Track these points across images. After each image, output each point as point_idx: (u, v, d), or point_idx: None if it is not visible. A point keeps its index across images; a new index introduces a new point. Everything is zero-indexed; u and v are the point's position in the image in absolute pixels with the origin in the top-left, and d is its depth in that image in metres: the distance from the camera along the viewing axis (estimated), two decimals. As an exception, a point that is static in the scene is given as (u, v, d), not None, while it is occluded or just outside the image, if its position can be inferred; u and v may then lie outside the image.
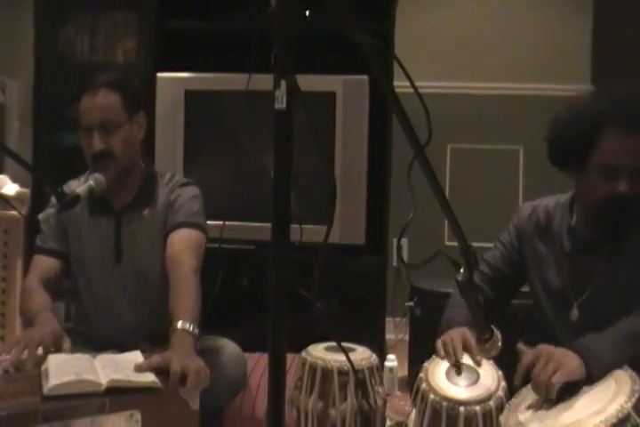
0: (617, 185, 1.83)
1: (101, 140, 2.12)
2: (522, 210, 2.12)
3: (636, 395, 1.59)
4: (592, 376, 1.69)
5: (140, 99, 2.27)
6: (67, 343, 1.92)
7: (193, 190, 2.27)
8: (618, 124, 1.82)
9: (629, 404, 1.56)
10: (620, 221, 1.90)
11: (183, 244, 2.14)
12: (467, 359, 1.88)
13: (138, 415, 1.61)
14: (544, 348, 1.74)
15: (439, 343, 1.93)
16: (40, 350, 1.83)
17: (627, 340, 1.76)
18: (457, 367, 1.86)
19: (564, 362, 1.68)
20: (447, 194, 1.55)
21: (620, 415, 1.54)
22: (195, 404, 1.70)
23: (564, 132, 1.91)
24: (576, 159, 1.89)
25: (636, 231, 1.92)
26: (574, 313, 1.97)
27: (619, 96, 1.87)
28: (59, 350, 1.88)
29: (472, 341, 1.87)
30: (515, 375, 1.75)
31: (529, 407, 1.70)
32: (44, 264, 2.21)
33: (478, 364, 1.85)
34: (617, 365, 1.71)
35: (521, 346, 1.77)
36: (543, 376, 1.66)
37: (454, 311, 2.03)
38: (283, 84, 1.22)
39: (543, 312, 2.05)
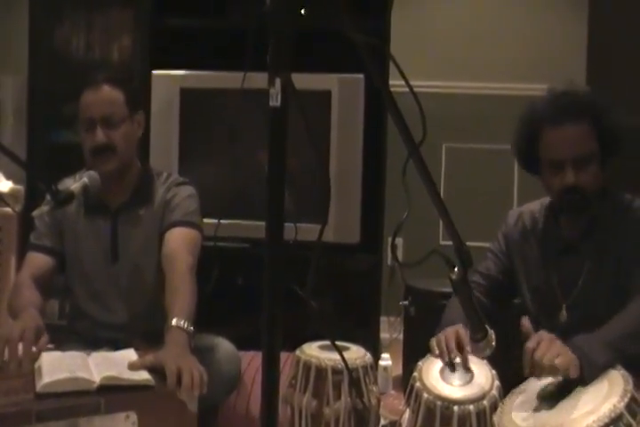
0: (564, 177, 1.89)
1: (104, 134, 2.13)
2: (509, 217, 2.16)
3: (629, 395, 1.59)
4: (584, 378, 1.69)
5: (139, 98, 2.29)
6: (43, 340, 1.89)
7: (189, 190, 2.27)
8: (550, 120, 1.91)
9: (622, 404, 1.56)
10: (580, 212, 1.94)
11: (179, 242, 2.15)
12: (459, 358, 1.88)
13: (134, 417, 1.60)
14: (545, 334, 1.75)
15: (433, 342, 1.94)
16: (20, 347, 1.82)
17: (618, 340, 1.75)
18: (451, 366, 1.86)
19: (565, 351, 1.69)
20: (442, 193, 1.56)
21: (613, 415, 1.54)
22: (193, 406, 1.69)
23: (519, 138, 2.00)
24: (533, 162, 1.98)
25: (618, 228, 1.94)
26: (563, 314, 1.99)
27: (550, 95, 1.97)
28: (37, 347, 1.86)
29: (466, 339, 1.87)
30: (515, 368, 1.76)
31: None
32: (37, 261, 2.20)
33: (467, 367, 1.85)
34: (609, 366, 1.71)
35: (525, 322, 1.78)
36: (547, 360, 1.67)
37: (452, 311, 2.04)
38: (277, 81, 1.22)
39: (531, 316, 2.06)
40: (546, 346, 1.70)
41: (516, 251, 2.11)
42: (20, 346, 1.82)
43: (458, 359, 1.87)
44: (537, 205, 2.12)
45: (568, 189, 1.89)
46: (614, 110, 1.95)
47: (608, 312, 1.85)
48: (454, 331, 1.92)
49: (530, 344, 1.72)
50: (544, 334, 1.75)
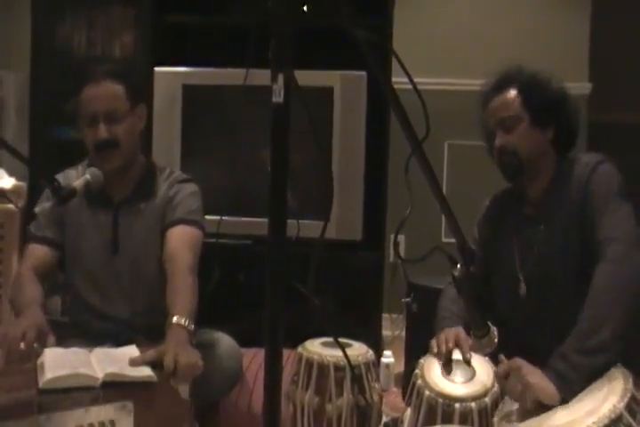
0: (495, 142, 2.03)
1: (106, 130, 2.12)
2: (483, 204, 2.24)
3: (629, 394, 1.58)
4: (566, 400, 1.67)
5: (141, 91, 2.28)
6: (51, 340, 1.90)
7: (192, 187, 2.27)
8: (489, 96, 2.08)
9: (622, 404, 1.55)
10: (516, 171, 2.02)
11: (181, 240, 2.14)
12: (460, 356, 1.88)
13: (130, 406, 1.61)
14: (514, 362, 1.73)
15: (433, 343, 1.95)
16: (22, 345, 1.82)
17: (587, 341, 1.71)
18: (449, 366, 1.86)
19: (535, 383, 1.67)
20: (444, 190, 1.56)
21: (613, 416, 1.53)
22: (184, 392, 1.70)
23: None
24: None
25: (565, 188, 1.96)
26: (522, 288, 2.00)
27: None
28: (43, 345, 1.87)
29: (465, 338, 1.88)
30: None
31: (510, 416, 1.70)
32: (38, 253, 2.20)
33: (468, 363, 1.85)
34: (589, 374, 1.68)
35: (502, 357, 1.78)
36: (514, 394, 1.68)
37: (447, 313, 2.05)
38: (280, 77, 1.21)
39: (497, 297, 2.07)
40: (514, 381, 1.69)
41: (486, 236, 2.15)
42: (22, 344, 1.83)
43: (457, 356, 1.87)
44: (508, 187, 2.18)
45: (500, 150, 2.02)
46: (546, 80, 2.05)
47: (564, 278, 1.86)
48: (454, 332, 1.93)
49: (499, 371, 1.73)
50: (513, 363, 1.73)
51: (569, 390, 1.67)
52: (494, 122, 2.04)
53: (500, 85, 2.06)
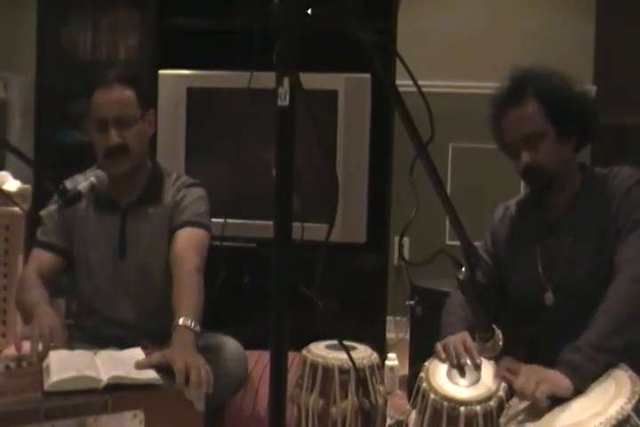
0: (521, 158, 1.91)
1: (117, 135, 2.12)
2: (495, 213, 2.15)
3: (637, 396, 1.58)
4: (579, 390, 1.67)
5: (151, 96, 2.28)
6: (63, 338, 1.90)
7: (199, 191, 2.27)
8: (499, 109, 1.95)
9: (629, 405, 1.55)
10: (545, 189, 1.95)
11: (188, 242, 2.15)
12: (467, 360, 1.87)
13: (141, 415, 1.61)
14: (527, 366, 1.73)
15: (439, 346, 1.92)
16: (40, 346, 1.83)
17: (605, 340, 1.71)
18: (459, 369, 1.85)
19: (548, 376, 1.67)
20: (449, 193, 1.55)
21: (620, 417, 1.53)
22: (200, 405, 1.69)
23: (494, 136, 2.03)
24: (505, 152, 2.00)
25: (597, 202, 1.92)
26: (549, 297, 1.96)
27: (498, 86, 2.00)
28: (59, 343, 1.87)
29: (471, 344, 1.87)
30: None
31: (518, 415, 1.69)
32: (43, 258, 2.20)
33: (478, 368, 1.84)
34: (601, 369, 1.69)
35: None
36: (527, 390, 1.65)
37: (452, 318, 2.03)
38: (285, 81, 1.22)
39: (518, 307, 2.05)
40: (526, 376, 1.67)
41: (502, 245, 2.09)
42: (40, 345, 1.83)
43: (466, 361, 1.86)
44: (524, 194, 2.13)
45: (526, 168, 1.92)
46: (567, 84, 1.93)
47: (593, 290, 1.83)
48: (461, 336, 1.92)
49: (517, 382, 1.69)
50: (526, 367, 1.73)
51: (582, 380, 1.66)
52: (516, 138, 1.92)
53: (516, 94, 1.92)
